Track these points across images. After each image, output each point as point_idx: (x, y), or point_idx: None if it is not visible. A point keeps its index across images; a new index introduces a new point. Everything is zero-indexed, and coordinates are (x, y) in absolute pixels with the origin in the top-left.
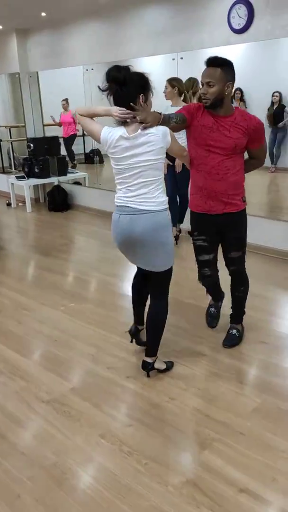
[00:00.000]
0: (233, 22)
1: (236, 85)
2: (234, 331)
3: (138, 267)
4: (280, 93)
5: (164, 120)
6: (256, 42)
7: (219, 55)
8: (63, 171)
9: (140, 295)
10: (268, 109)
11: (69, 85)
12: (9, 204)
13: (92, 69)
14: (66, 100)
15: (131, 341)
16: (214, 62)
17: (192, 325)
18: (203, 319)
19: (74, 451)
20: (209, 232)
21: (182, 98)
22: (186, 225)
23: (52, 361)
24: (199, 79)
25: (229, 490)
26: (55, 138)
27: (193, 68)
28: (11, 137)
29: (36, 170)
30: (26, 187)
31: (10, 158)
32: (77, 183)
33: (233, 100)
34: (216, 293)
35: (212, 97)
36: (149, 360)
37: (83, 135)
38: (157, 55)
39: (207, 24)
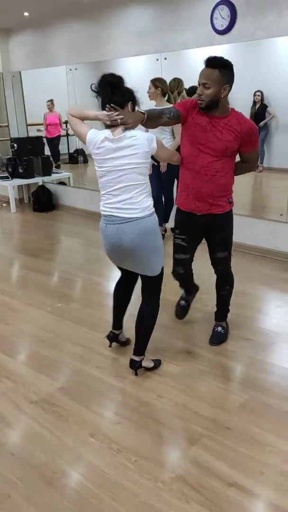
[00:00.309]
0: (216, 23)
1: None
2: (220, 329)
3: (122, 274)
4: (261, 93)
5: (150, 117)
6: (239, 43)
7: (217, 55)
8: (47, 171)
9: (122, 303)
10: (251, 108)
11: (52, 85)
12: None
13: (76, 69)
14: (51, 101)
15: (110, 346)
16: (213, 63)
17: (178, 323)
18: (189, 316)
19: (64, 450)
20: (191, 232)
21: (166, 98)
22: (171, 223)
23: (40, 362)
24: (183, 79)
25: (218, 485)
26: (39, 138)
27: (177, 68)
28: None
29: (20, 170)
30: (10, 187)
31: None
32: (61, 183)
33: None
34: (188, 287)
35: (207, 99)
36: (136, 358)
37: (67, 135)
38: (141, 55)
39: (190, 24)
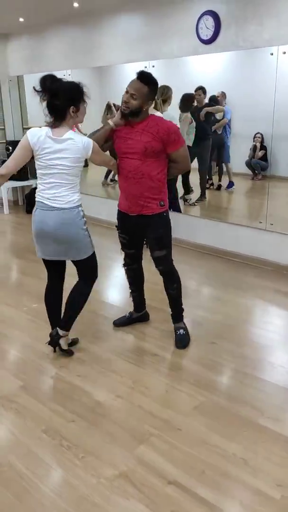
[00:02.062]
0: (201, 32)
1: None
2: (181, 331)
3: (48, 279)
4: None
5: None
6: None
7: (149, 72)
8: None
9: (53, 306)
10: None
11: None
12: None
13: (69, 74)
14: None
15: (54, 351)
16: (145, 79)
17: (150, 326)
18: (155, 318)
19: (15, 445)
20: (128, 231)
21: (153, 105)
22: None
23: (7, 360)
24: (171, 86)
25: (159, 483)
26: None
27: (165, 76)
28: None
29: (15, 173)
30: (3, 189)
31: None
32: None
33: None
34: (132, 285)
35: (132, 107)
36: (60, 332)
37: None
38: (130, 62)
39: (176, 34)
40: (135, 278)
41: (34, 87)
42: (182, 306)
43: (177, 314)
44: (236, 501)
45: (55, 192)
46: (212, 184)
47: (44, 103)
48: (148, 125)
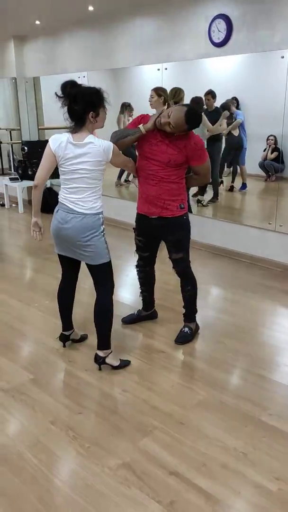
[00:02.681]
0: (213, 35)
1: None
2: (186, 329)
3: (62, 276)
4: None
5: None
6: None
7: (197, 111)
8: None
9: (65, 305)
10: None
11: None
12: (2, 205)
13: (84, 76)
14: None
15: (64, 346)
16: (190, 120)
17: (158, 325)
18: (163, 316)
19: (24, 435)
20: (146, 233)
21: (166, 107)
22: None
23: (18, 353)
24: (183, 89)
25: (160, 473)
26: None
27: (177, 78)
28: (11, 139)
29: (30, 173)
30: (19, 188)
31: (10, 160)
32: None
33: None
34: (143, 285)
35: (172, 132)
36: (101, 354)
37: None
38: (144, 65)
39: (189, 37)
40: (146, 279)
41: (56, 93)
42: (196, 308)
43: (188, 314)
44: (234, 493)
45: (78, 197)
46: (221, 183)
47: (65, 108)
48: (177, 138)
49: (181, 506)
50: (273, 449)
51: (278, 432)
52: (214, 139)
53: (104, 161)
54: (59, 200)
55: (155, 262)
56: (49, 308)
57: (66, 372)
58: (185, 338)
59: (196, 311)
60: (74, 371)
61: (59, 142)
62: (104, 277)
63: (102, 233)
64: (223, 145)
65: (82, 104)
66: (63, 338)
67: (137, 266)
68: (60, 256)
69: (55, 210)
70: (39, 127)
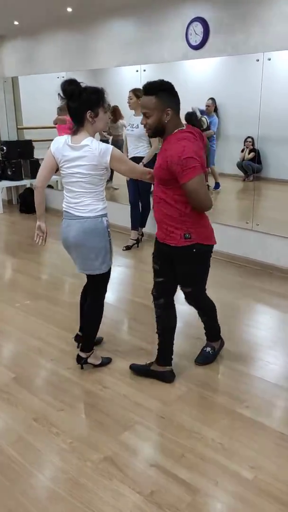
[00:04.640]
0: (190, 38)
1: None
2: (208, 349)
3: (87, 277)
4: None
5: None
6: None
7: (155, 80)
8: (35, 174)
9: (84, 304)
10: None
11: (51, 90)
12: None
13: (63, 77)
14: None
15: (78, 347)
16: (148, 90)
17: (138, 323)
18: (150, 318)
19: (7, 432)
20: (159, 257)
21: None
22: (148, 228)
23: None
24: None
25: (141, 465)
26: (29, 142)
27: (155, 80)
28: None
29: (9, 173)
30: None
31: None
32: (49, 186)
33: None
34: (158, 325)
35: (151, 127)
36: (83, 355)
37: None
38: (122, 66)
39: (167, 39)
40: (160, 318)
41: (58, 94)
42: (217, 328)
43: (209, 335)
44: (212, 482)
45: (78, 202)
46: None
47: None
48: (169, 143)
49: (162, 496)
50: (248, 439)
51: (254, 423)
52: None
53: (101, 165)
54: (63, 207)
55: (172, 294)
56: (31, 308)
57: (47, 371)
58: (207, 358)
59: (219, 329)
60: (56, 369)
61: (58, 144)
62: (97, 285)
63: (108, 237)
64: None
65: (78, 102)
66: (79, 338)
67: (153, 298)
68: None
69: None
70: (18, 127)
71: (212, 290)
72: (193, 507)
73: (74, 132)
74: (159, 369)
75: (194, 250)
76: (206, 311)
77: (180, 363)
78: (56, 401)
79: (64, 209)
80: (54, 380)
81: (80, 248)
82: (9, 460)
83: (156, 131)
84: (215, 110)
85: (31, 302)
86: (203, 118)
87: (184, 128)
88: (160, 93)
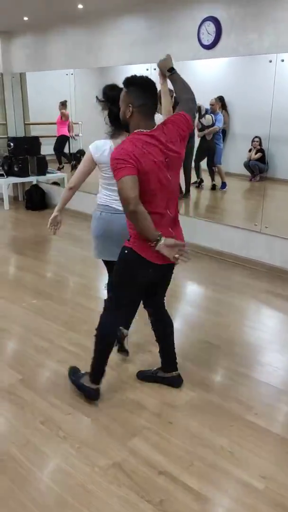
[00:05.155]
0: (202, 37)
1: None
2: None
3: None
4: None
5: None
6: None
7: (136, 74)
8: (42, 171)
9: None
10: None
11: (60, 87)
12: None
13: (72, 74)
14: (61, 102)
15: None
16: (123, 82)
17: (144, 323)
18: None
19: (13, 435)
20: None
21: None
22: None
23: (6, 353)
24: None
25: (149, 472)
26: (36, 138)
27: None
28: None
29: (16, 169)
30: (4, 185)
31: None
32: (55, 183)
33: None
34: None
35: (120, 119)
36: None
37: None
38: (132, 64)
39: (178, 38)
40: (153, 326)
41: (96, 96)
42: (96, 369)
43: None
44: (222, 491)
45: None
46: (199, 182)
47: (105, 113)
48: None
49: (171, 505)
50: (258, 447)
51: (263, 431)
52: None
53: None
54: (101, 202)
55: (151, 302)
56: (37, 307)
57: (54, 372)
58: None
59: (98, 370)
60: (63, 371)
61: (102, 151)
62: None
63: None
64: (196, 143)
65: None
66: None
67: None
68: (105, 262)
69: (98, 213)
70: (25, 122)
71: (218, 292)
72: None
73: (114, 135)
74: (166, 375)
75: (126, 251)
76: (98, 339)
77: (187, 367)
78: (63, 404)
79: (103, 203)
80: (61, 382)
81: (124, 238)
82: (16, 464)
83: (123, 124)
84: (225, 107)
85: (38, 301)
86: (208, 116)
87: (144, 131)
88: (131, 87)
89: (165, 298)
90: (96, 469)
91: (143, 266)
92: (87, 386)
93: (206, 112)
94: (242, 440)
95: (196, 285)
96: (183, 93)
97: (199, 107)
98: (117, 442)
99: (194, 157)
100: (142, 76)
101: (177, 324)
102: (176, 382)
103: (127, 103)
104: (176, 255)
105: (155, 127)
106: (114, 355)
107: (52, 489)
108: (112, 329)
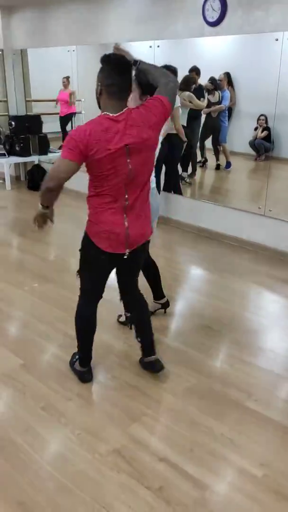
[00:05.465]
0: (207, 14)
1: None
2: None
3: None
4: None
5: None
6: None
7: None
8: (44, 150)
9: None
10: None
11: (62, 63)
12: None
13: (74, 50)
14: (67, 78)
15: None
16: (100, 60)
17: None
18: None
19: (15, 420)
20: None
21: None
22: None
23: (6, 338)
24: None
25: (150, 459)
26: (37, 117)
27: (169, 56)
28: None
29: (17, 149)
30: (6, 165)
31: None
32: None
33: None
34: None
35: None
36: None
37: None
38: (135, 41)
39: (182, 14)
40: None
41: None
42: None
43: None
44: (221, 478)
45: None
46: (204, 162)
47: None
48: None
49: (170, 491)
50: (258, 434)
51: (263, 418)
52: (194, 117)
53: None
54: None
55: (128, 286)
56: (38, 291)
57: (56, 357)
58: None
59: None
60: (64, 356)
61: None
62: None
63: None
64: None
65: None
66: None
67: None
68: None
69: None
70: (27, 99)
71: (220, 276)
72: (201, 504)
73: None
74: (144, 360)
75: (83, 235)
76: (75, 321)
77: (188, 353)
78: (64, 389)
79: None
80: (62, 367)
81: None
82: (17, 450)
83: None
84: (231, 84)
85: (39, 285)
86: (216, 92)
87: (110, 114)
88: (103, 65)
89: (137, 280)
90: (97, 455)
91: (95, 252)
92: (77, 370)
93: (217, 86)
94: (242, 427)
95: (198, 268)
96: (160, 78)
97: (206, 84)
98: (118, 428)
99: (199, 135)
100: (117, 55)
101: (178, 309)
102: (154, 367)
103: (98, 81)
104: (38, 223)
105: (123, 110)
106: (116, 341)
107: (52, 475)
108: (82, 311)
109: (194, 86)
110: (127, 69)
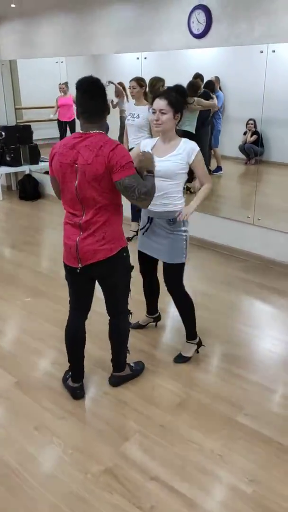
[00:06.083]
0: (192, 26)
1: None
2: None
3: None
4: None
5: None
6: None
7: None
8: (34, 160)
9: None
10: None
11: (50, 72)
12: None
13: (62, 62)
14: (65, 83)
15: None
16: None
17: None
18: (141, 314)
19: (8, 441)
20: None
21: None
22: None
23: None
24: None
25: (141, 478)
26: (27, 127)
27: (156, 68)
28: None
29: (8, 159)
30: None
31: None
32: (48, 172)
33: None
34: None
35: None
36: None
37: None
38: (122, 53)
39: (168, 27)
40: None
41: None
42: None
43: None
44: (211, 496)
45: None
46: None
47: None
48: None
49: (161, 511)
50: (248, 450)
51: (253, 432)
52: (202, 123)
53: None
54: None
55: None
56: (31, 305)
57: (48, 375)
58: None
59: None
60: (57, 374)
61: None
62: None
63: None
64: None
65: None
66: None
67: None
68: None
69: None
70: (16, 107)
71: (210, 285)
72: None
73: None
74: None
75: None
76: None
77: (177, 366)
78: (57, 407)
79: None
80: (55, 385)
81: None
82: (11, 472)
83: None
84: (220, 88)
85: (32, 299)
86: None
87: (81, 132)
88: (77, 92)
89: (117, 305)
90: (89, 475)
91: (64, 264)
92: (70, 386)
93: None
94: (232, 443)
95: (188, 278)
96: (142, 187)
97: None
98: (110, 447)
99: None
100: (90, 80)
101: (168, 320)
102: (110, 381)
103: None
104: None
105: (91, 131)
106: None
107: (46, 497)
108: (68, 325)
109: (199, 92)
110: (100, 94)
